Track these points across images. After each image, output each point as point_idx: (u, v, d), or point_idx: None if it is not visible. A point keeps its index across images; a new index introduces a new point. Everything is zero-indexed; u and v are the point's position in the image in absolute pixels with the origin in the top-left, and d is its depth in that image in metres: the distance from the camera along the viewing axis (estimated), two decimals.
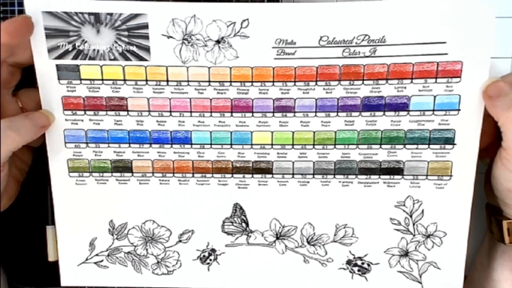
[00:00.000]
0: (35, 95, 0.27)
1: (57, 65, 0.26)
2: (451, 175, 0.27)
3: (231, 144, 0.28)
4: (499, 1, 0.29)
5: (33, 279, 0.33)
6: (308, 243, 0.29)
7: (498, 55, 0.30)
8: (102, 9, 0.25)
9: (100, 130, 0.28)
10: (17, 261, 0.33)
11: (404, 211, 0.28)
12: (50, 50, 0.26)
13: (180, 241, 0.29)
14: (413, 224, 0.28)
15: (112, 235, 0.29)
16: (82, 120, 0.28)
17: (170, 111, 0.27)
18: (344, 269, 0.29)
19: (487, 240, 0.29)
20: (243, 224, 0.29)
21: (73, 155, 0.28)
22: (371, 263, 0.28)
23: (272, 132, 0.27)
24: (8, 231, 0.32)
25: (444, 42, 0.25)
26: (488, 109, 0.25)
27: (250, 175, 0.28)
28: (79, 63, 0.26)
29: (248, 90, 0.27)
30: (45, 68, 0.26)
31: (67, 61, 0.26)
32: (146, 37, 0.26)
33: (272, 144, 0.28)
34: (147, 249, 0.30)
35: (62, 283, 0.30)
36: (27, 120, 0.25)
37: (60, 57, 0.26)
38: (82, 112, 0.27)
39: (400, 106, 0.26)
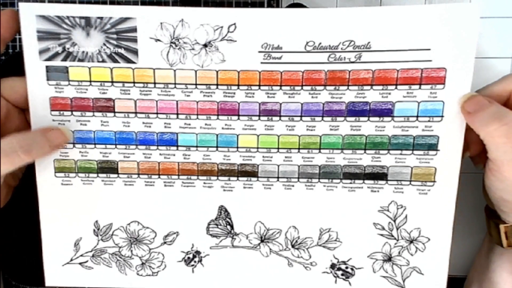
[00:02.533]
0: (19, 86, 0.27)
1: (46, 67, 0.27)
2: (434, 181, 0.27)
3: (216, 147, 0.28)
4: (499, 2, 0.29)
5: (33, 278, 0.33)
6: (293, 246, 0.29)
7: (498, 55, 0.30)
8: (93, 13, 0.26)
9: (87, 131, 0.28)
10: (17, 261, 0.33)
11: (387, 216, 0.28)
12: (41, 52, 0.27)
13: (164, 242, 0.29)
14: (397, 229, 0.28)
15: (97, 235, 0.29)
16: (69, 121, 0.28)
17: (157, 113, 0.28)
18: (327, 273, 0.29)
19: (486, 242, 0.29)
20: (228, 227, 0.29)
21: (60, 155, 0.28)
22: (355, 267, 0.29)
23: (257, 136, 0.28)
24: (8, 231, 0.33)
25: (429, 49, 0.25)
26: (469, 124, 0.25)
27: (236, 178, 0.28)
28: (68, 65, 0.27)
29: (234, 93, 0.27)
30: (35, 69, 0.27)
31: (57, 62, 0.27)
32: (135, 40, 0.26)
33: (257, 148, 0.28)
34: (131, 250, 0.30)
35: (47, 283, 0.30)
36: (43, 138, 0.24)
37: (50, 58, 0.27)
38: (69, 113, 0.28)
39: (384, 112, 0.27)
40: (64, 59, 0.27)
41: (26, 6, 0.26)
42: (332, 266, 0.29)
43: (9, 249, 0.33)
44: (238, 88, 0.27)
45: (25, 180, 0.31)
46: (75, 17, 0.26)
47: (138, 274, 0.30)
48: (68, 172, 0.28)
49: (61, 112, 0.28)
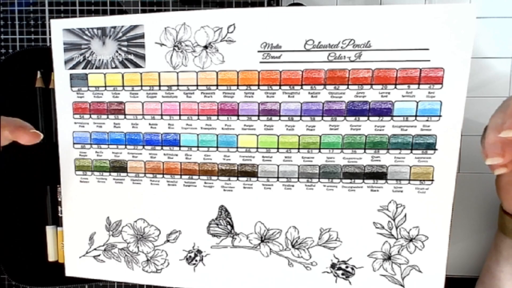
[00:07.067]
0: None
1: (70, 75, 0.29)
2: (432, 180, 0.27)
3: (217, 147, 0.28)
4: (498, 2, 0.30)
5: (33, 278, 0.34)
6: (293, 246, 0.29)
7: (498, 55, 0.30)
8: (107, 23, 0.28)
9: (102, 132, 0.30)
10: (17, 261, 0.34)
11: (387, 215, 0.28)
12: (66, 62, 0.29)
13: (168, 240, 0.30)
14: (396, 228, 0.28)
15: (108, 231, 0.31)
16: (88, 123, 0.30)
17: (161, 115, 0.28)
18: (328, 272, 0.29)
19: (495, 242, 0.29)
20: (228, 227, 0.29)
21: (79, 155, 0.30)
22: (355, 266, 0.29)
23: (257, 136, 0.28)
24: (8, 231, 0.33)
25: (427, 49, 0.26)
26: None
27: (236, 178, 0.28)
28: (87, 72, 0.29)
29: (233, 93, 0.27)
30: (61, 77, 0.29)
31: (78, 70, 0.29)
32: (142, 45, 0.28)
33: (257, 148, 0.28)
34: (138, 247, 0.31)
35: (67, 274, 0.32)
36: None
37: (73, 67, 0.29)
38: (88, 116, 0.30)
39: (384, 111, 0.27)
40: (84, 67, 0.29)
41: (56, 22, 0.29)
42: (333, 265, 0.29)
43: (9, 249, 0.33)
44: (238, 88, 0.27)
45: (25, 182, 0.32)
46: (94, 28, 0.28)
47: (143, 270, 0.31)
48: (86, 171, 0.30)
49: (82, 115, 0.30)
